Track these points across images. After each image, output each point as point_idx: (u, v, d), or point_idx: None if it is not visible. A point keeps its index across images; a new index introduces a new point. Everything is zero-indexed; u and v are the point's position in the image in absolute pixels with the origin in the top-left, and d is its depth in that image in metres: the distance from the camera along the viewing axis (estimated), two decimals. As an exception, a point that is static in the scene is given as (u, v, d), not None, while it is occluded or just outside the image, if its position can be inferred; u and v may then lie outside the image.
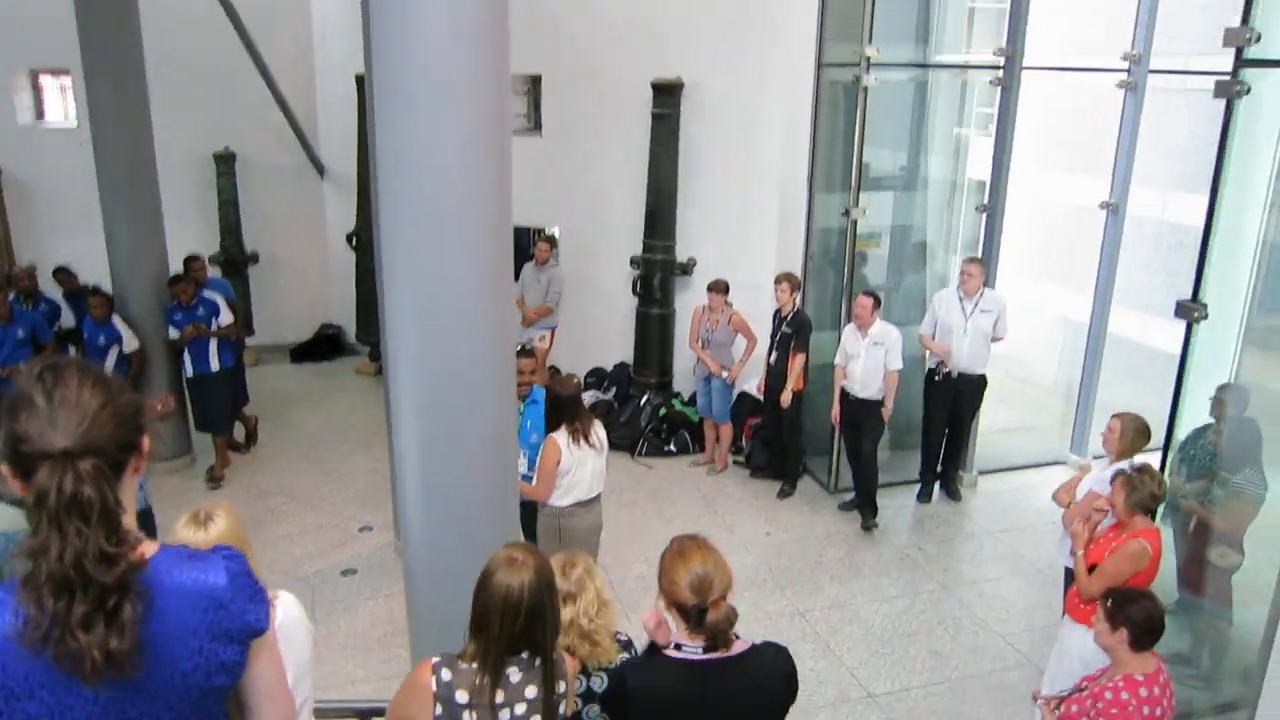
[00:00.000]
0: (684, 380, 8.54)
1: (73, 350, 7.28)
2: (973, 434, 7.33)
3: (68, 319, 7.46)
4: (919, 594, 5.99)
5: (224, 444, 7.49)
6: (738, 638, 2.56)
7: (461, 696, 2.40)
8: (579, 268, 8.97)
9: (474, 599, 2.41)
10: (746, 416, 7.88)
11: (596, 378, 9.09)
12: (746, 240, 7.99)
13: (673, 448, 8.08)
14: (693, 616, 2.51)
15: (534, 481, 4.74)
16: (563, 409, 4.61)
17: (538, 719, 2.43)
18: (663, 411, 8.29)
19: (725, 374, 7.46)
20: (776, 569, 6.21)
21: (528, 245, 9.12)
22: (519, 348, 5.01)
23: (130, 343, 7.03)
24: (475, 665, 2.43)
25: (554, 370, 9.29)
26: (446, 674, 2.44)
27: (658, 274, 8.37)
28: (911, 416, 7.69)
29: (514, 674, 2.43)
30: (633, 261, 8.50)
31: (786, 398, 7.12)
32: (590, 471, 4.70)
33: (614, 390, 8.90)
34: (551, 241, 8.98)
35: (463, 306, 3.10)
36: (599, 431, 4.75)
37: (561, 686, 2.45)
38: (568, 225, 9.08)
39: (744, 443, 7.90)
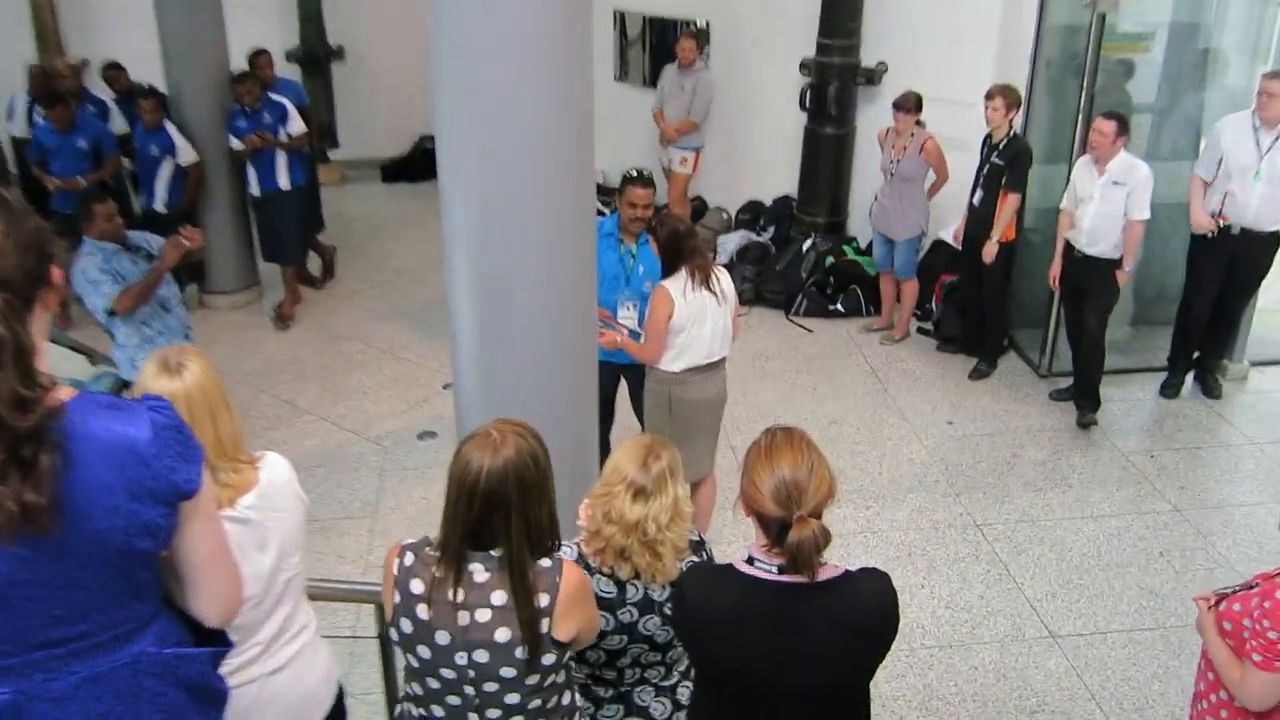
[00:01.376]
0: (861, 223, 8.38)
1: (126, 162, 7.69)
2: (1249, 312, 6.83)
3: (119, 124, 7.80)
4: (1140, 514, 5.74)
5: (294, 277, 7.81)
6: (824, 563, 2.52)
7: (417, 586, 2.48)
8: (734, 73, 8.82)
9: (447, 478, 2.50)
10: (939, 273, 7.71)
11: (751, 214, 9.11)
12: (955, 41, 7.58)
13: (839, 307, 8.06)
14: (773, 530, 2.48)
15: (642, 340, 4.85)
16: (674, 249, 4.65)
17: (506, 631, 2.47)
18: (830, 261, 8.26)
19: (909, 226, 7.20)
20: (955, 468, 6.14)
21: (669, 42, 8.95)
22: (636, 173, 5.04)
23: (186, 154, 7.28)
24: (436, 553, 2.51)
25: (695, 202, 9.30)
26: (409, 558, 2.53)
27: (834, 83, 8.14)
28: (1165, 284, 7.21)
29: (478, 571, 2.47)
30: (803, 66, 8.29)
31: (991, 250, 6.83)
32: (711, 330, 4.74)
33: (772, 231, 8.93)
34: (700, 37, 8.73)
35: (528, 129, 3.14)
36: (723, 279, 4.72)
37: (544, 600, 2.47)
38: (722, 17, 8.88)
39: (933, 306, 7.77)
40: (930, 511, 5.77)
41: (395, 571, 2.53)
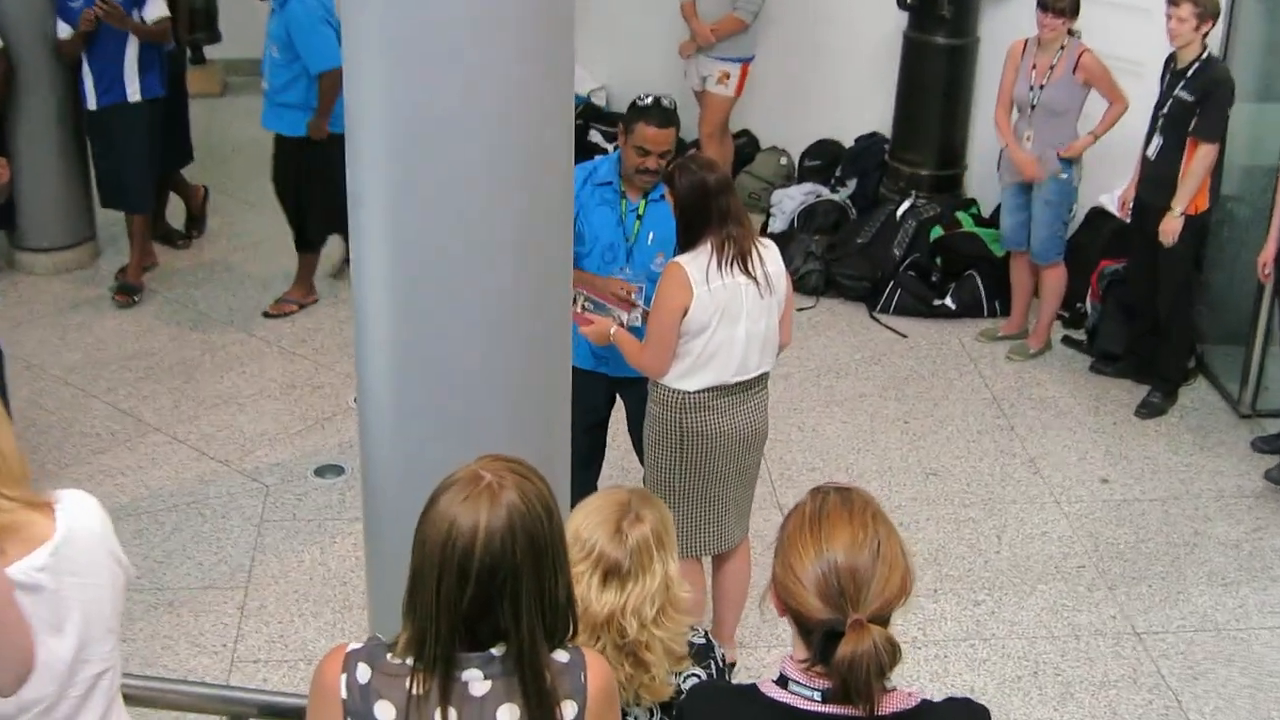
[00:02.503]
0: (986, 179, 8.38)
1: None
2: None
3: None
4: (1382, 626, 5.71)
5: (144, 230, 7.87)
6: (893, 688, 2.51)
7: (385, 711, 2.50)
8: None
9: (414, 540, 2.49)
10: (1096, 257, 7.73)
11: (823, 160, 9.17)
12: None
13: (949, 302, 8.09)
14: (817, 639, 2.50)
15: (645, 340, 4.89)
16: (696, 210, 4.71)
17: None
18: (938, 233, 8.29)
19: (1052, 170, 7.18)
20: (1108, 548, 6.13)
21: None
22: (652, 102, 5.07)
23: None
24: (409, 660, 2.51)
25: (740, 140, 9.33)
26: (363, 672, 2.54)
27: (950, -30, 8.26)
28: None
29: (475, 681, 2.49)
30: (905, -57, 8.43)
31: (1172, 227, 6.81)
32: (747, 332, 4.83)
33: (852, 186, 8.96)
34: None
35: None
36: (769, 256, 4.80)
37: (569, 711, 2.50)
38: None
39: (1086, 305, 7.80)
40: (1069, 611, 5.76)
41: (345, 693, 2.52)
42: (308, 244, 7.82)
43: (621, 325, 5.01)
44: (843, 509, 2.53)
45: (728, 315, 4.71)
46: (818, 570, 2.46)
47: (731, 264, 4.68)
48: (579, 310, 4.96)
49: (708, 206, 4.67)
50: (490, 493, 2.46)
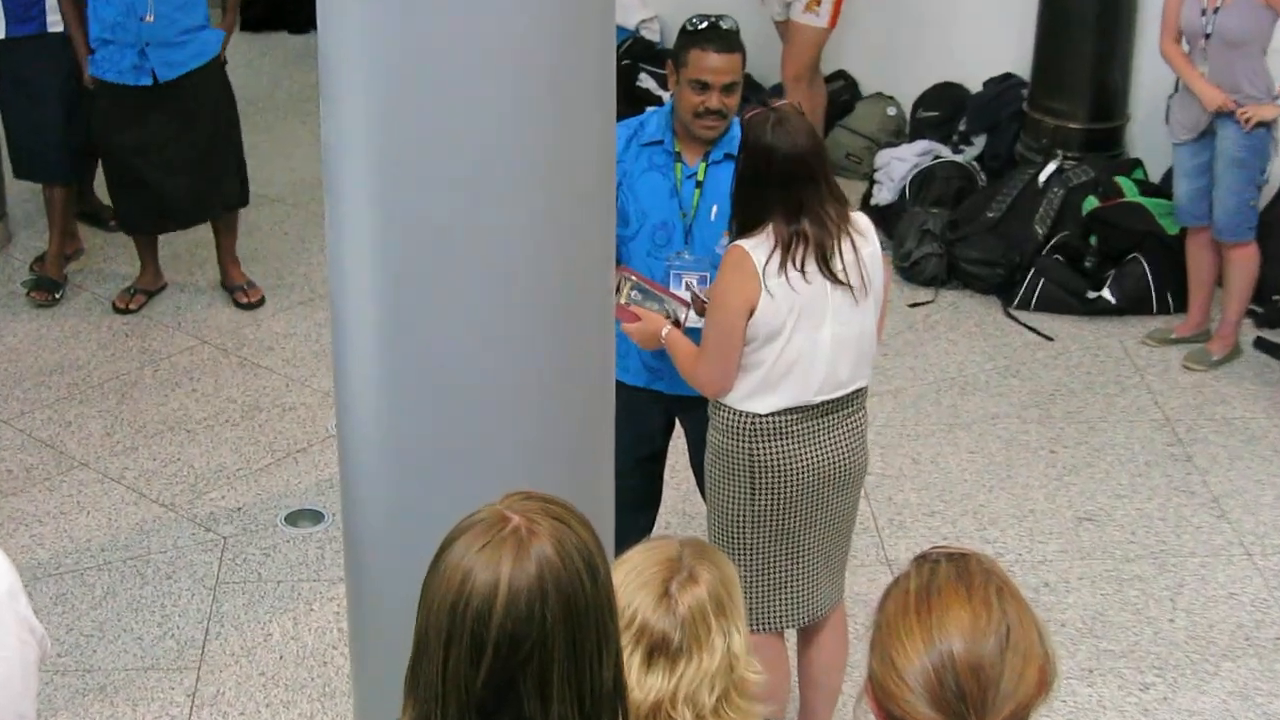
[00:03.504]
0: (1155, 133, 8.39)
1: None
2: None
3: None
4: None
5: (66, 205, 7.95)
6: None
7: None
8: None
9: (420, 599, 2.49)
10: None
11: (942, 111, 9.24)
12: None
13: (1108, 295, 8.10)
14: None
15: (700, 347, 4.87)
16: (765, 177, 4.70)
17: None
18: (1092, 205, 8.31)
19: (1238, 114, 7.13)
20: (1317, 616, 6.09)
21: None
22: (709, 24, 5.08)
23: None
24: None
25: (836, 84, 9.31)
26: None
27: None
28: None
29: None
30: None
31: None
32: (834, 338, 4.81)
33: (981, 143, 9.02)
34: None
35: None
36: (862, 239, 4.79)
37: None
38: None
39: None
40: (1264, 697, 5.71)
41: None
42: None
43: (678, 324, 5.00)
44: (958, 583, 2.50)
45: (809, 316, 4.69)
46: (927, 666, 2.44)
47: (813, 249, 4.66)
48: (622, 302, 4.96)
49: (786, 172, 4.64)
50: (517, 540, 2.44)
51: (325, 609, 5.97)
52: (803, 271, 4.65)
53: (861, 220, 4.85)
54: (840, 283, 4.70)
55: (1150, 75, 8.39)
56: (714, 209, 5.16)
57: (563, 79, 3.47)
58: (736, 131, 5.07)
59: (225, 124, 7.74)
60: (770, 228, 4.67)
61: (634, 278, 5.04)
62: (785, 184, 4.65)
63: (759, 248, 4.67)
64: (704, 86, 5.06)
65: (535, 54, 3.41)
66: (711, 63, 5.04)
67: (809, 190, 4.68)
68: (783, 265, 4.65)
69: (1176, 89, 7.54)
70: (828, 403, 4.83)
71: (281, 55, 11.05)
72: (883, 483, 6.31)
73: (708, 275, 5.10)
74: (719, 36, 5.09)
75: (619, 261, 4.96)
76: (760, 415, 4.79)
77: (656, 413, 5.38)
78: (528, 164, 3.47)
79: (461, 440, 3.59)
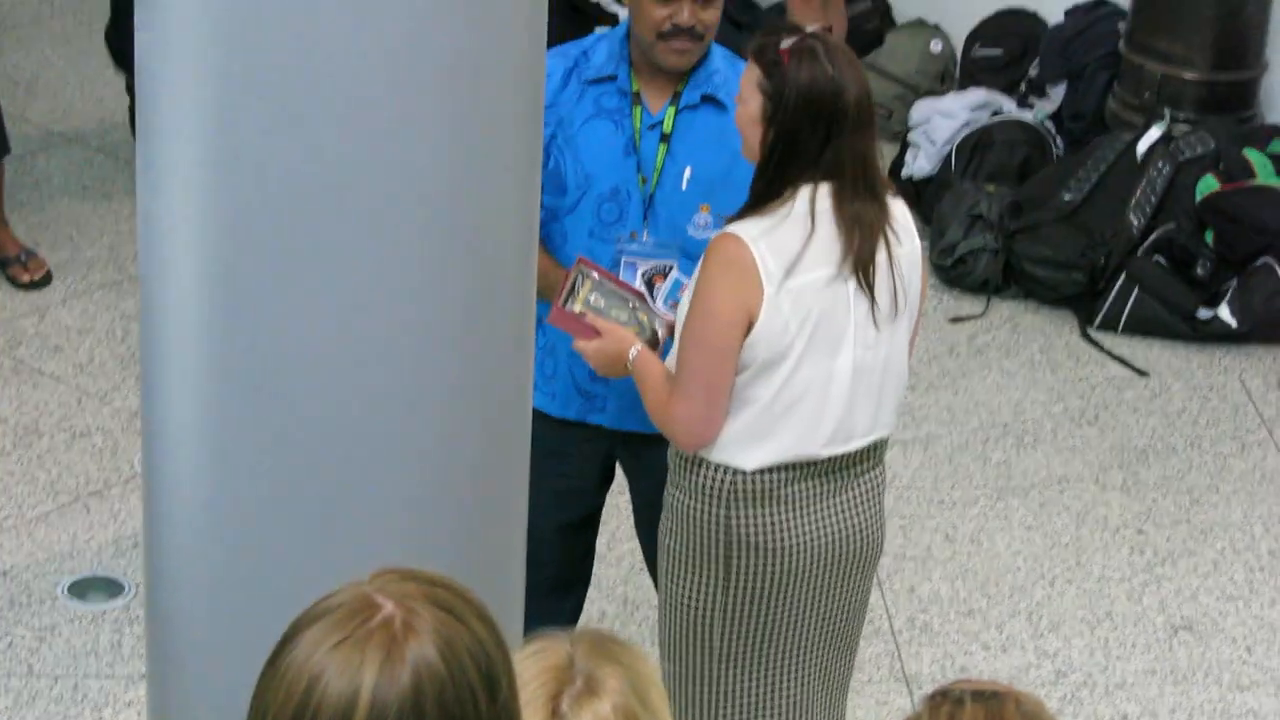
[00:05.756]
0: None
1: None
2: None
3: None
4: None
5: None
6: None
7: None
8: None
9: (250, 709, 2.48)
10: None
11: (1004, 48, 9.33)
12: None
13: (1225, 314, 8.14)
14: None
15: (672, 380, 4.82)
16: (805, 140, 4.70)
17: None
18: (1209, 185, 8.33)
19: None
20: None
21: None
22: None
23: None
24: None
25: (864, 7, 9.35)
26: None
27: None
28: None
29: None
30: None
31: None
32: (855, 365, 4.83)
33: (1057, 95, 9.10)
34: None
35: None
36: (899, 243, 4.83)
37: None
38: None
39: None
40: None
41: None
42: None
43: (655, 343, 4.99)
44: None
45: (823, 335, 4.73)
46: None
47: (843, 257, 4.68)
48: (577, 309, 4.97)
49: (835, 136, 4.66)
50: (388, 636, 2.44)
51: (122, 717, 5.97)
52: (841, 272, 4.70)
53: (898, 208, 4.84)
54: (870, 294, 4.75)
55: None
56: (686, 172, 5.17)
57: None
58: (719, 64, 5.13)
59: None
60: (790, 202, 4.71)
61: (596, 274, 4.97)
62: (853, 136, 4.68)
63: (766, 233, 4.67)
64: (677, 29, 5.02)
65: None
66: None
67: (872, 152, 4.74)
68: (795, 262, 4.67)
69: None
70: (837, 458, 4.85)
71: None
72: (903, 567, 6.32)
73: (674, 267, 5.09)
74: None
75: (545, 243, 4.98)
76: (745, 472, 4.78)
77: (591, 457, 5.37)
78: (413, 102, 3.44)
79: (315, 490, 3.57)
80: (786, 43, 4.66)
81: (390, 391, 3.60)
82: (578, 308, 4.87)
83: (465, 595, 2.56)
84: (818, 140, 4.63)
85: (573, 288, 4.73)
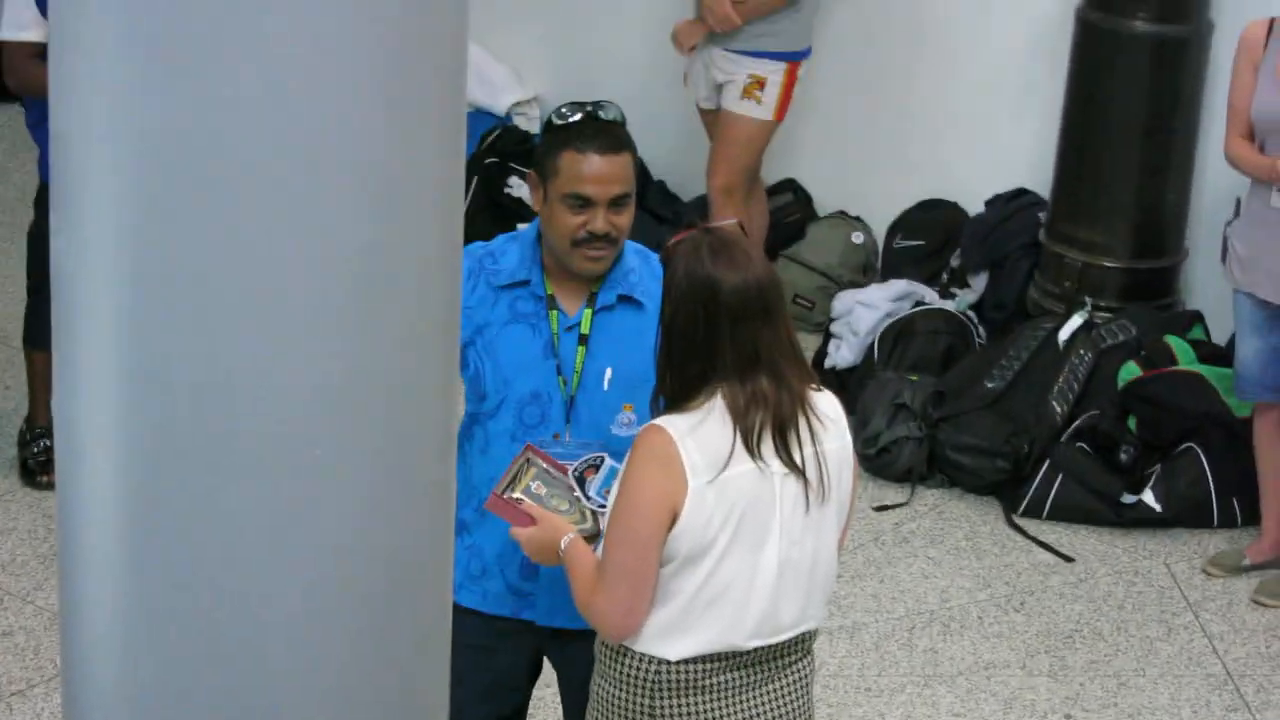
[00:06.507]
0: (1210, 275, 8.57)
1: None
2: None
3: None
4: None
5: None
6: None
7: None
8: None
9: None
10: None
11: (926, 239, 9.44)
12: None
13: (1150, 499, 8.17)
14: None
15: (601, 569, 4.76)
16: (700, 340, 4.72)
17: None
18: (1131, 372, 8.38)
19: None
20: None
21: None
22: (591, 112, 5.04)
23: None
24: None
25: (783, 201, 9.40)
26: None
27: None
28: None
29: None
30: None
31: None
32: (780, 560, 4.82)
33: (979, 284, 9.19)
34: None
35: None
36: (827, 420, 4.87)
37: None
38: None
39: None
40: None
41: None
42: None
43: (595, 534, 4.89)
44: None
45: (749, 528, 4.72)
46: None
47: (759, 442, 4.74)
48: (516, 495, 4.94)
49: (716, 333, 4.67)
50: None
51: None
52: (758, 457, 4.69)
53: (825, 401, 4.84)
54: (799, 476, 4.75)
55: (1215, 195, 8.59)
56: (607, 374, 5.16)
57: (382, 181, 3.44)
58: (633, 262, 5.15)
59: None
60: (710, 399, 4.70)
61: (543, 464, 4.97)
62: (735, 329, 4.69)
63: (690, 430, 4.69)
64: (584, 203, 4.99)
65: (346, 147, 3.41)
66: (593, 168, 5.00)
67: (766, 336, 4.72)
68: (728, 456, 4.65)
69: (1238, 213, 7.70)
70: (763, 650, 4.82)
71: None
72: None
73: (605, 459, 5.06)
74: (600, 131, 5.06)
75: (466, 445, 5.03)
76: (670, 662, 4.76)
77: (518, 651, 5.32)
78: (325, 295, 3.42)
79: (234, 684, 3.57)
80: (673, 240, 4.74)
81: (308, 600, 3.58)
82: (517, 494, 4.86)
83: None
84: (702, 333, 4.67)
85: (515, 475, 4.72)
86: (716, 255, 4.68)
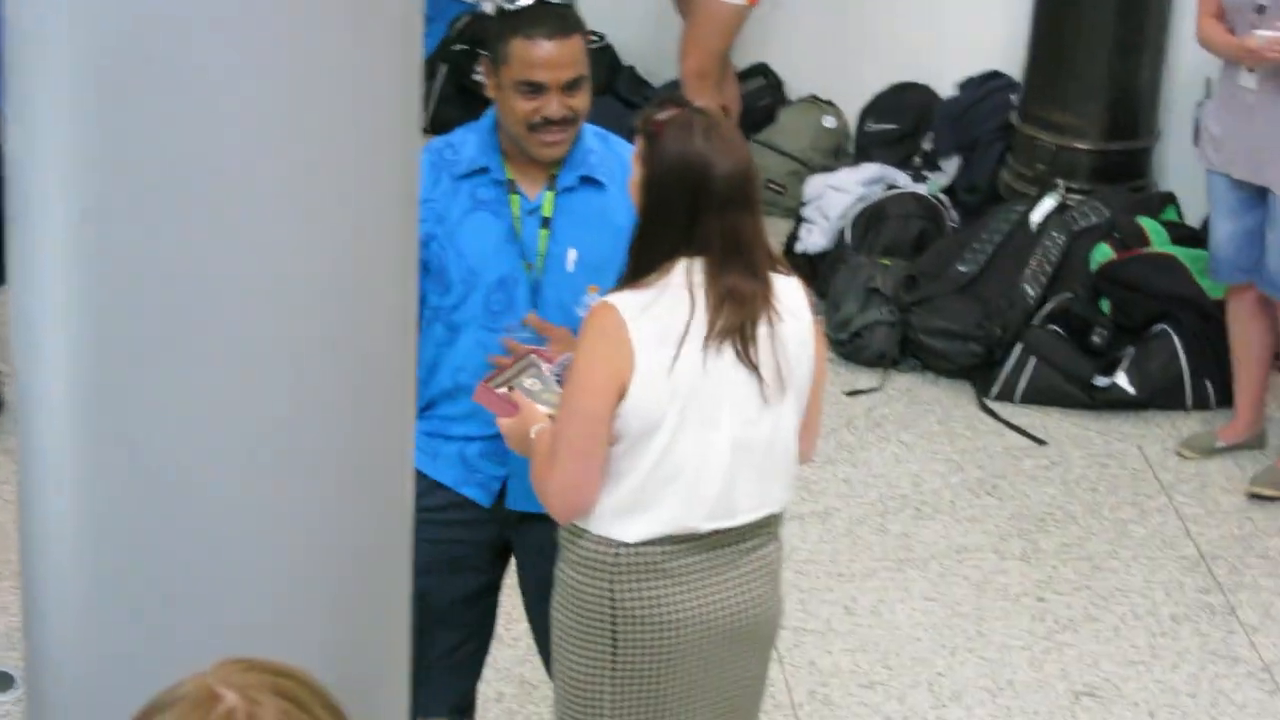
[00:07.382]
0: (1184, 159, 8.56)
1: None
2: None
3: None
4: None
5: None
6: None
7: None
8: None
9: None
10: None
11: (899, 122, 9.43)
12: None
13: (1123, 381, 8.19)
14: None
15: (553, 447, 4.76)
16: (674, 215, 4.72)
17: None
18: (1104, 254, 8.41)
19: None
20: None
21: None
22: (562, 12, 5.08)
23: None
24: None
25: (754, 85, 9.40)
26: None
27: None
28: None
29: None
30: None
31: None
32: (735, 441, 4.82)
33: (951, 168, 9.21)
34: None
35: None
36: (784, 321, 4.83)
37: None
38: None
39: None
40: None
41: None
42: None
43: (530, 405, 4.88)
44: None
45: (696, 408, 4.72)
46: None
47: (722, 334, 4.74)
48: (506, 388, 4.93)
49: (699, 214, 4.65)
50: None
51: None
52: (713, 343, 4.70)
53: (786, 286, 4.83)
54: (752, 370, 4.75)
55: (1187, 77, 8.55)
56: (571, 255, 5.15)
57: (332, 73, 3.46)
58: (593, 144, 5.15)
59: None
60: (665, 275, 4.70)
61: (545, 368, 4.99)
62: (721, 214, 4.68)
63: (642, 308, 4.67)
64: (537, 88, 5.02)
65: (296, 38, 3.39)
66: (543, 53, 5.03)
67: (748, 225, 4.74)
68: (682, 336, 4.65)
69: (1208, 93, 7.69)
70: (721, 532, 4.82)
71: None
72: (803, 641, 6.31)
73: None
74: (549, 16, 5.08)
75: (427, 341, 5.05)
76: (626, 544, 4.76)
77: (486, 539, 5.34)
78: (286, 182, 3.38)
79: (193, 576, 3.51)
80: (663, 115, 4.69)
81: (269, 489, 3.56)
82: (503, 383, 4.89)
83: (310, 684, 2.52)
84: (685, 213, 4.65)
85: (515, 373, 4.71)
86: (709, 137, 4.68)
